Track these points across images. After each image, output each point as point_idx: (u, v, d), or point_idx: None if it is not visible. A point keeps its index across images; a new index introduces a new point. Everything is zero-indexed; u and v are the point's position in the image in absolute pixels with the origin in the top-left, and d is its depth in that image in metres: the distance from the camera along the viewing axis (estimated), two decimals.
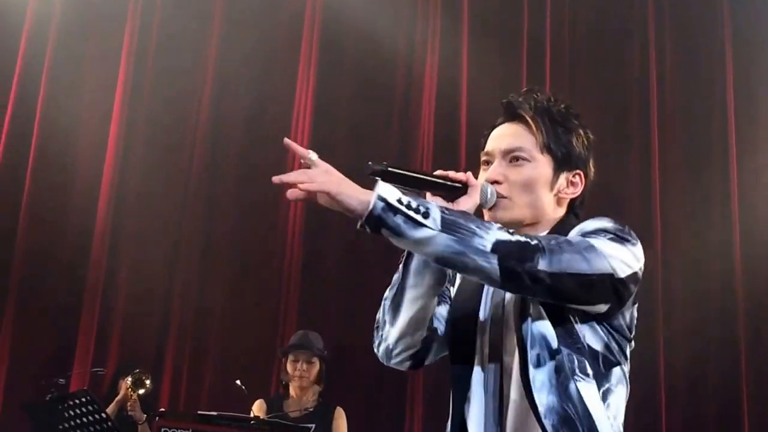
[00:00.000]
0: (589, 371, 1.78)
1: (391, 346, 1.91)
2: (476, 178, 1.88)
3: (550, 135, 1.91)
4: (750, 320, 6.82)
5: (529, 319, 1.78)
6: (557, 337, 1.78)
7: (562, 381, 1.75)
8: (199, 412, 4.56)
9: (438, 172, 1.84)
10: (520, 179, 1.89)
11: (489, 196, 1.85)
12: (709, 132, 7.27)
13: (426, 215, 1.63)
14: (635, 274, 1.77)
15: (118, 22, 6.64)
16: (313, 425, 4.47)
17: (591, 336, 1.80)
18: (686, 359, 6.74)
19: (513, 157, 1.90)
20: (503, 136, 1.94)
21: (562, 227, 1.89)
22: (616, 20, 7.40)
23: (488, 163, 1.94)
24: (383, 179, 1.72)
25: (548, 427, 1.70)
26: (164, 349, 6.23)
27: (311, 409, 4.82)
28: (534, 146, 1.90)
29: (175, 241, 6.42)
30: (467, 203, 1.81)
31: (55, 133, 6.31)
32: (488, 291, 1.91)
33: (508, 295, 1.85)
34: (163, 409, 5.07)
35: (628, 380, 1.86)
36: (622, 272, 1.73)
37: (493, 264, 1.65)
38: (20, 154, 6.31)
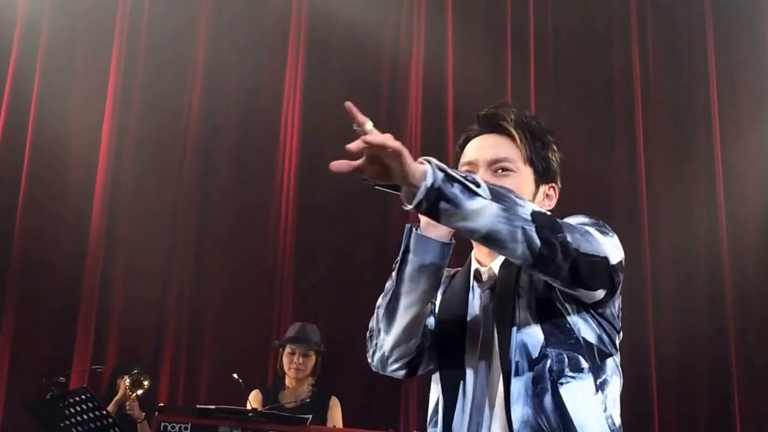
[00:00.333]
0: (584, 365, 1.80)
1: (386, 354, 1.88)
2: None
3: (531, 148, 1.93)
4: (737, 309, 6.86)
5: (514, 328, 1.79)
6: (546, 339, 1.79)
7: (538, 392, 1.76)
8: (197, 406, 4.57)
9: None
10: None
11: None
12: (693, 122, 7.31)
13: (477, 184, 1.61)
14: (621, 262, 1.79)
15: (107, 26, 6.67)
16: (311, 416, 4.48)
17: (585, 328, 1.82)
18: (676, 349, 6.77)
19: (499, 167, 1.91)
20: (488, 146, 1.94)
21: None
22: (599, 12, 7.43)
23: (470, 172, 1.91)
24: (376, 184, 1.71)
25: None
26: (162, 346, 6.25)
27: (307, 400, 4.88)
28: (518, 158, 1.92)
29: (169, 239, 6.44)
30: None
31: (49, 138, 6.35)
32: (473, 302, 1.92)
33: (495, 305, 1.86)
34: (162, 404, 5.05)
35: (620, 370, 1.88)
36: (614, 258, 1.76)
37: (532, 234, 1.64)
38: (15, 159, 6.32)
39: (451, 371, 1.87)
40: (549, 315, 1.81)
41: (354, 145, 1.59)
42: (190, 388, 6.21)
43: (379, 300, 1.89)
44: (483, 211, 1.60)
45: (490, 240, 1.64)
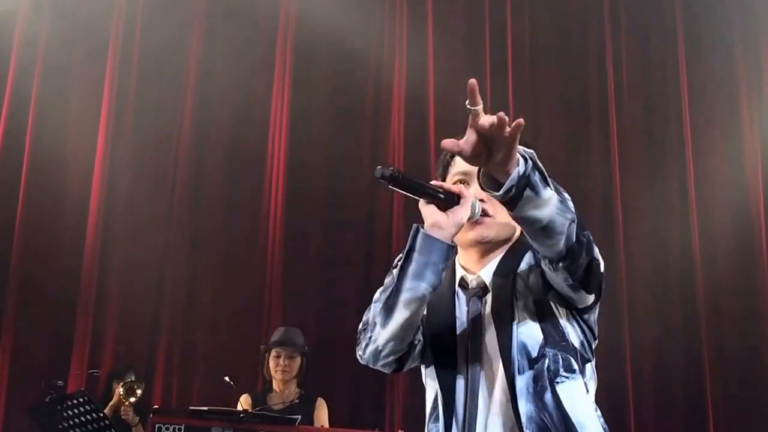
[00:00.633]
0: (575, 367, 1.86)
1: (380, 348, 1.87)
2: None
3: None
4: (709, 307, 6.95)
5: (515, 329, 1.84)
6: (545, 338, 1.84)
7: (539, 390, 1.81)
8: (191, 407, 4.63)
9: (434, 183, 1.87)
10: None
11: (477, 210, 1.88)
12: (666, 130, 7.40)
13: (547, 174, 1.67)
14: (603, 271, 1.87)
15: (102, 36, 6.77)
16: (299, 416, 4.57)
17: (572, 333, 1.89)
18: (651, 347, 6.85)
19: None
20: None
21: (517, 247, 1.97)
22: (575, 24, 7.53)
23: (463, 182, 1.97)
24: (391, 183, 1.76)
25: None
26: (156, 350, 6.32)
27: (295, 401, 4.95)
28: None
29: (162, 248, 6.51)
30: (459, 213, 1.82)
31: (46, 144, 6.43)
32: (459, 307, 1.95)
33: (487, 306, 1.91)
34: (156, 406, 5.17)
35: (596, 375, 1.94)
36: (602, 265, 1.84)
37: (573, 230, 1.72)
38: (14, 164, 6.41)
39: (446, 371, 1.89)
40: (545, 317, 1.86)
41: (487, 120, 1.58)
42: (183, 390, 6.27)
43: (377, 294, 1.91)
44: (550, 201, 1.68)
45: (547, 230, 1.70)
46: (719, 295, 7.03)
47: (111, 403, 5.33)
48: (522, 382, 1.81)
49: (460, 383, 1.89)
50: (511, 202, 1.65)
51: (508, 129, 1.57)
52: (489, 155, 1.61)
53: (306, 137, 6.86)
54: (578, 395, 1.85)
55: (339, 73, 6.99)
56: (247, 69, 6.96)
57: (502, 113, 1.57)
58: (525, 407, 1.79)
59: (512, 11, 7.34)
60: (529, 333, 1.85)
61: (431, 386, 1.95)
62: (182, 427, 4.29)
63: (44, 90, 6.56)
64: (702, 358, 6.83)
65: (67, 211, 6.46)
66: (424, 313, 1.93)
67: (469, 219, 1.87)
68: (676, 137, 7.34)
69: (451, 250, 1.83)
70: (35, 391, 5.43)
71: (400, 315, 1.83)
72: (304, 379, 5.12)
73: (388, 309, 1.84)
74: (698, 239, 7.04)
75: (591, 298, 1.86)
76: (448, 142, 1.62)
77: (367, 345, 1.90)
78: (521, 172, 1.62)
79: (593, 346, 1.94)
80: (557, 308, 1.88)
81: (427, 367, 1.97)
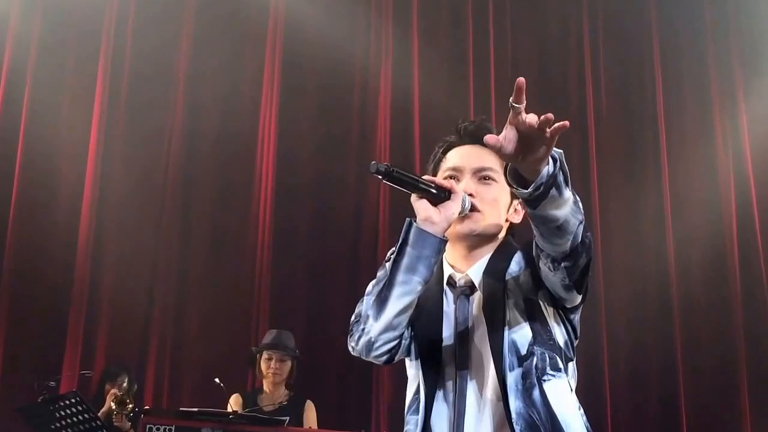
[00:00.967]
0: (560, 366, 1.88)
1: (373, 339, 1.88)
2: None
3: (504, 172, 1.91)
4: (684, 316, 7.06)
5: (506, 327, 1.86)
6: (534, 337, 1.87)
7: (527, 387, 1.82)
8: (181, 408, 4.62)
9: (426, 178, 1.89)
10: (489, 196, 1.97)
11: (467, 204, 1.90)
12: (642, 143, 7.53)
13: (568, 174, 1.70)
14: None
15: (94, 40, 6.81)
16: (288, 418, 4.60)
17: (558, 332, 1.91)
18: (627, 354, 6.95)
19: (484, 175, 1.98)
20: (474, 155, 2.00)
21: (505, 247, 2.00)
22: (554, 37, 7.63)
23: (453, 177, 1.99)
24: (386, 178, 1.80)
25: (518, 431, 1.79)
26: (147, 352, 6.34)
27: (284, 403, 5.00)
28: (500, 170, 1.97)
29: (153, 250, 6.54)
30: (451, 208, 1.85)
31: (38, 148, 6.45)
32: (447, 305, 1.97)
33: (475, 304, 1.94)
34: (147, 407, 5.15)
35: (577, 374, 1.97)
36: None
37: (581, 229, 1.76)
38: (6, 170, 6.43)
39: (432, 365, 1.91)
40: (535, 316, 1.88)
41: (533, 118, 1.62)
42: (173, 391, 6.30)
43: (370, 287, 1.91)
44: (568, 201, 1.71)
45: (561, 229, 1.73)
46: (693, 306, 7.14)
47: (102, 410, 5.31)
48: (512, 379, 1.83)
49: (448, 380, 1.90)
50: (537, 200, 1.67)
51: (548, 130, 1.61)
52: (524, 153, 1.63)
53: (295, 139, 6.93)
54: (564, 393, 1.88)
55: (326, 78, 7.04)
56: (236, 73, 7.01)
57: (550, 114, 1.61)
58: (514, 404, 1.81)
59: (495, 24, 7.44)
60: (519, 331, 1.87)
61: (414, 378, 1.96)
62: (173, 428, 4.29)
63: (36, 92, 6.57)
64: (677, 370, 6.92)
65: (59, 211, 6.46)
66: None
67: (459, 213, 1.89)
68: (652, 152, 7.45)
69: (443, 244, 1.85)
70: (28, 391, 5.42)
71: (393, 308, 1.85)
72: (294, 382, 5.16)
73: (381, 302, 1.86)
74: (673, 254, 7.14)
75: (579, 298, 1.90)
76: (491, 138, 1.63)
77: (359, 337, 1.90)
78: (550, 172, 1.64)
79: (575, 345, 1.97)
80: (545, 308, 1.91)
81: (411, 360, 1.98)
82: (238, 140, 6.87)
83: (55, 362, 6.09)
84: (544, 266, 1.85)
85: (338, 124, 7.06)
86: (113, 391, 5.43)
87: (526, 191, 1.66)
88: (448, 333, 1.94)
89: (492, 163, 1.99)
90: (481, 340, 1.90)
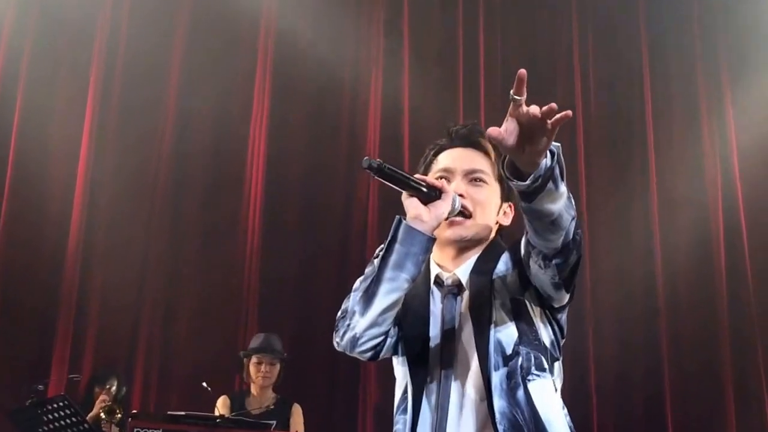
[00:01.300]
0: (546, 366, 1.88)
1: (358, 335, 1.87)
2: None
3: (500, 166, 1.90)
4: (670, 317, 7.08)
5: (492, 327, 1.86)
6: (519, 337, 1.87)
7: (512, 387, 1.82)
8: (168, 412, 4.62)
9: (417, 176, 1.89)
10: (479, 198, 1.97)
11: (456, 205, 1.90)
12: (631, 147, 7.53)
13: (564, 168, 1.70)
14: None
15: (87, 44, 6.81)
16: (275, 422, 4.62)
17: (544, 332, 1.91)
18: (613, 355, 6.94)
19: (475, 177, 1.98)
20: (465, 157, 2.00)
21: (493, 248, 2.00)
22: (544, 45, 7.65)
23: (445, 179, 1.98)
24: (377, 174, 1.80)
25: (501, 431, 1.79)
26: (135, 355, 6.33)
27: (271, 407, 5.01)
28: (491, 173, 2.00)
29: (143, 255, 6.53)
30: (441, 207, 1.86)
31: (30, 155, 6.43)
32: (434, 304, 1.97)
33: (463, 304, 1.93)
34: (135, 411, 5.18)
35: (563, 374, 1.97)
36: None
37: (573, 225, 1.76)
38: None
39: (419, 365, 1.91)
40: (521, 316, 1.88)
41: (534, 109, 1.61)
42: (161, 394, 6.29)
43: (357, 283, 1.90)
44: (563, 195, 1.70)
45: (555, 224, 1.73)
46: (679, 307, 7.15)
47: (91, 414, 5.31)
48: (497, 378, 1.83)
49: (434, 379, 1.90)
50: (534, 193, 1.67)
51: (550, 120, 1.61)
52: (525, 145, 1.63)
53: (285, 151, 6.93)
54: (548, 393, 1.88)
55: (317, 83, 7.04)
56: (227, 75, 7.01)
57: (553, 104, 1.61)
58: (498, 403, 1.81)
59: (485, 31, 7.44)
60: (505, 331, 1.87)
61: (402, 378, 1.96)
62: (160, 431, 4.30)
63: (29, 94, 6.56)
64: (662, 370, 6.94)
65: (50, 213, 6.45)
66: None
67: (449, 214, 1.90)
68: (640, 153, 7.45)
69: (432, 242, 1.85)
70: (16, 395, 5.44)
71: (380, 304, 1.84)
72: (281, 385, 5.17)
73: (368, 298, 1.85)
74: (660, 255, 7.15)
75: (567, 297, 1.90)
76: (493, 131, 1.63)
77: (345, 332, 1.89)
78: (548, 165, 1.64)
79: (562, 345, 1.97)
80: (532, 308, 1.91)
81: (399, 359, 1.98)
82: (229, 143, 6.87)
83: (44, 365, 6.08)
84: (534, 264, 1.84)
85: (329, 128, 7.05)
86: (103, 397, 5.43)
87: (524, 183, 1.66)
88: (435, 332, 1.94)
89: (483, 165, 2.01)
90: (468, 340, 1.90)
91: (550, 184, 1.66)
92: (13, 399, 5.45)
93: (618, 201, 7.32)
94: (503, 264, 1.95)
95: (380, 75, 7.14)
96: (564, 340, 1.99)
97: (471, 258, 2.00)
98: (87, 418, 5.12)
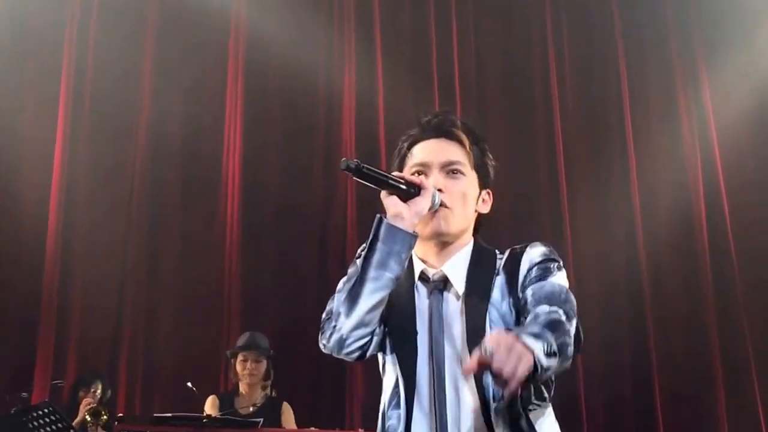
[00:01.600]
0: (545, 395, 1.87)
1: (344, 336, 1.86)
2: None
3: (477, 155, 2.00)
4: (655, 304, 7.10)
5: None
6: None
7: (515, 418, 1.81)
8: (154, 414, 4.64)
9: (396, 174, 1.91)
10: (457, 191, 1.96)
11: (436, 200, 1.90)
12: (608, 121, 7.57)
13: (554, 351, 1.67)
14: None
15: (56, 50, 6.75)
16: (261, 419, 4.60)
17: None
18: (600, 346, 6.82)
19: (452, 170, 1.97)
20: (440, 149, 1.99)
21: (482, 252, 1.99)
22: (519, 36, 7.67)
23: (421, 173, 1.97)
24: (356, 174, 1.82)
25: None
26: (118, 358, 6.30)
27: (261, 405, 5.00)
28: (467, 163, 1.99)
29: (122, 258, 6.50)
30: (420, 204, 1.86)
31: (2, 157, 6.35)
32: (420, 296, 1.96)
33: (450, 300, 1.93)
34: (120, 414, 5.15)
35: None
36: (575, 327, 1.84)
37: (569, 353, 1.74)
38: None
39: (407, 359, 1.90)
40: None
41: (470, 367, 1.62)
42: (146, 396, 6.28)
43: (341, 284, 1.89)
44: (551, 368, 1.68)
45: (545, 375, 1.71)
46: (664, 291, 7.20)
47: (77, 420, 5.29)
48: (498, 410, 1.82)
49: (424, 371, 1.89)
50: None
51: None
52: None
53: (260, 153, 6.94)
54: (549, 423, 1.88)
55: (290, 85, 7.03)
56: (200, 74, 6.99)
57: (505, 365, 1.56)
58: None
59: (457, 23, 7.47)
60: None
61: (391, 373, 1.95)
62: None
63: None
64: (650, 355, 6.97)
65: (26, 223, 6.40)
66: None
67: (429, 209, 1.89)
68: (618, 139, 7.49)
69: (414, 239, 1.86)
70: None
71: (365, 304, 1.84)
72: (270, 381, 5.17)
73: (353, 298, 1.85)
74: (642, 240, 7.18)
75: None
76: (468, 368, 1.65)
77: (331, 334, 1.88)
78: (534, 380, 1.66)
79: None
80: None
81: (386, 355, 1.97)
82: (204, 143, 6.85)
83: (27, 372, 6.04)
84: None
85: (304, 127, 7.05)
86: (87, 400, 5.40)
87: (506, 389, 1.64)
88: (422, 328, 1.92)
89: (458, 156, 1.99)
90: (462, 346, 1.88)
91: (544, 374, 1.66)
92: None
93: (598, 188, 7.34)
94: (498, 291, 1.92)
95: (353, 71, 7.14)
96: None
97: (455, 253, 1.99)
98: (73, 423, 5.10)
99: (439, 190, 1.93)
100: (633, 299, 7.13)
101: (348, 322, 1.85)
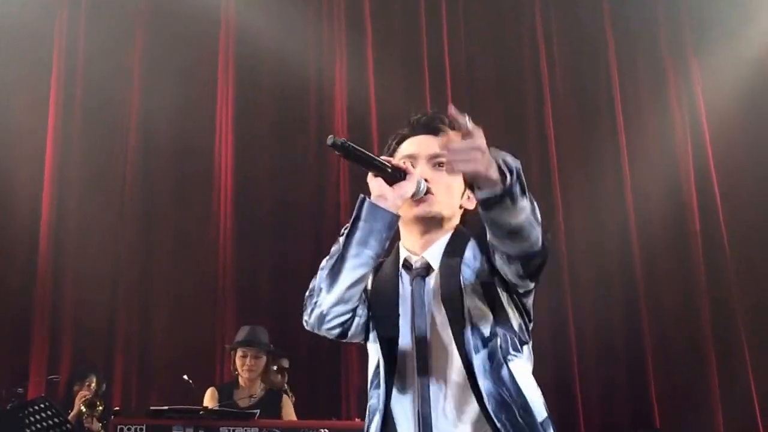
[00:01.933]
0: (519, 346, 1.91)
1: (325, 312, 1.90)
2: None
3: None
4: (648, 284, 7.13)
5: (466, 311, 1.89)
6: (494, 318, 1.89)
7: (495, 367, 1.85)
8: (151, 407, 4.55)
9: (383, 158, 1.94)
10: (443, 182, 1.99)
11: (422, 187, 1.94)
12: (599, 109, 7.59)
13: (525, 185, 1.72)
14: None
15: (46, 46, 6.76)
16: (258, 411, 4.58)
17: (512, 316, 1.94)
18: (594, 331, 6.99)
19: (438, 162, 1.99)
20: (428, 144, 2.02)
21: (460, 234, 2.02)
22: (507, 13, 7.69)
23: (409, 164, 1.99)
24: (342, 152, 1.83)
25: (490, 411, 1.81)
26: (113, 352, 6.31)
27: (260, 397, 4.96)
28: None
29: (115, 252, 6.51)
30: (405, 187, 1.89)
31: None
32: (403, 283, 2.00)
33: (431, 285, 1.96)
34: (117, 408, 5.15)
35: (533, 357, 1.99)
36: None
37: (539, 236, 1.78)
38: None
39: (389, 342, 1.94)
40: (492, 300, 1.91)
41: (444, 146, 1.69)
42: (142, 390, 6.27)
43: (323, 262, 1.94)
44: (524, 210, 1.72)
45: (513, 235, 1.76)
46: (656, 275, 7.22)
47: (72, 413, 5.27)
48: (478, 360, 1.85)
49: (405, 350, 1.93)
50: (491, 205, 1.71)
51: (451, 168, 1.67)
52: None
53: (251, 133, 6.95)
54: (526, 372, 1.91)
55: (281, 78, 7.02)
56: (190, 69, 6.99)
57: (455, 146, 1.64)
58: (484, 384, 1.84)
59: (447, 14, 7.47)
60: (480, 315, 1.90)
61: (374, 355, 1.99)
62: (143, 428, 4.23)
63: None
64: (643, 339, 7.00)
65: (18, 220, 6.43)
66: (369, 287, 2.01)
67: (413, 196, 1.93)
68: (609, 123, 7.51)
69: (396, 219, 1.89)
70: None
71: (345, 280, 1.88)
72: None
73: (334, 275, 1.90)
74: (634, 221, 7.20)
75: (532, 284, 1.94)
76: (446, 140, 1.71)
77: (312, 310, 1.93)
78: (505, 187, 1.67)
79: (530, 329, 1.99)
80: (500, 292, 1.93)
81: (369, 339, 2.01)
82: (196, 137, 6.83)
83: (22, 367, 6.03)
84: (500, 258, 1.87)
85: (296, 120, 7.06)
86: (82, 392, 5.39)
87: (481, 196, 1.70)
88: (405, 313, 1.96)
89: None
90: (442, 323, 1.92)
91: (507, 201, 1.68)
92: None
93: (589, 172, 7.35)
94: (470, 251, 1.97)
95: (344, 63, 7.14)
96: (531, 324, 2.00)
97: (438, 241, 2.02)
98: (69, 417, 5.09)
99: (426, 180, 1.97)
100: (626, 286, 7.14)
101: (329, 298, 1.90)
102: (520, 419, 1.83)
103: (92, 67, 6.79)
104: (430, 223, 2.00)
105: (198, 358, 6.10)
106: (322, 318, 1.92)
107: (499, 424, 1.81)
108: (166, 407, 4.47)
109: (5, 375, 5.91)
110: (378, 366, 1.96)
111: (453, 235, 2.03)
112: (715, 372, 6.96)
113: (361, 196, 1.90)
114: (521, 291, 1.94)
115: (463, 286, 1.92)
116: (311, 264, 6.42)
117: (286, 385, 5.56)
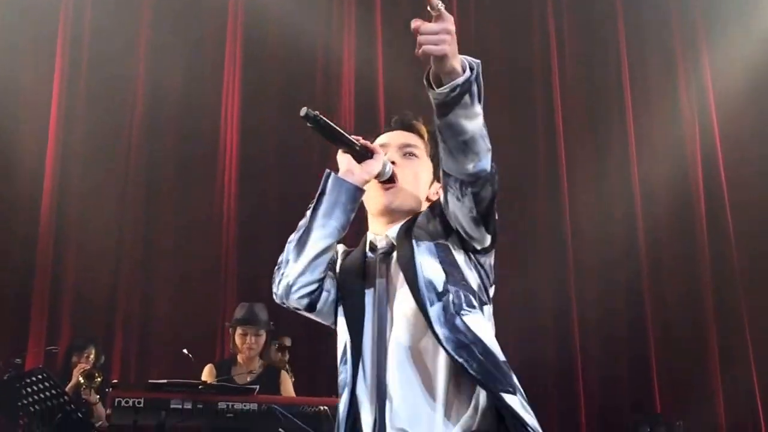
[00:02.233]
0: (474, 303, 1.92)
1: (291, 282, 1.96)
2: None
3: (433, 148, 2.07)
4: (652, 270, 7.13)
5: (420, 269, 1.92)
6: (446, 276, 1.92)
7: (449, 318, 1.87)
8: (149, 380, 4.48)
9: (353, 136, 1.98)
10: (409, 169, 2.08)
11: (387, 169, 2.00)
12: (607, 95, 7.57)
13: (481, 95, 1.75)
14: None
15: (52, 19, 6.70)
16: (257, 386, 4.53)
17: (470, 275, 1.96)
18: (596, 316, 6.96)
19: (407, 151, 2.10)
20: (400, 135, 2.13)
21: (416, 215, 2.05)
22: (518, 8, 7.63)
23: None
24: (313, 124, 1.87)
25: (450, 351, 1.83)
26: (113, 325, 6.29)
27: (259, 374, 4.93)
28: (423, 150, 2.12)
29: (118, 225, 6.49)
30: (371, 165, 1.96)
31: None
32: (369, 265, 2.03)
33: (393, 262, 2.00)
34: (115, 381, 5.08)
35: (493, 322, 2.00)
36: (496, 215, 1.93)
37: (489, 156, 1.81)
38: None
39: (354, 319, 1.97)
40: (446, 258, 1.94)
41: (416, 25, 1.70)
42: (141, 364, 6.25)
43: (292, 235, 1.99)
44: (478, 118, 1.75)
45: (467, 145, 1.78)
46: (661, 262, 7.22)
47: (70, 384, 5.23)
48: (434, 312, 1.87)
49: (368, 327, 1.96)
50: (449, 104, 1.71)
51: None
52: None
53: (257, 112, 6.91)
54: (482, 324, 1.92)
55: (289, 56, 6.99)
56: (197, 46, 6.97)
57: (424, 26, 1.67)
58: (441, 331, 1.85)
59: (458, 6, 7.43)
60: (432, 271, 1.92)
61: (342, 333, 2.01)
62: (141, 401, 4.21)
63: None
64: (646, 327, 6.99)
65: (21, 191, 6.40)
66: (338, 270, 2.07)
67: (379, 177, 1.99)
68: (617, 108, 7.49)
69: (360, 193, 1.96)
70: None
71: (311, 251, 1.94)
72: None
73: (300, 246, 1.95)
74: (641, 207, 7.18)
75: (488, 238, 1.95)
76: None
77: (280, 281, 1.99)
78: (467, 78, 1.69)
79: (490, 292, 2.01)
80: (456, 251, 1.96)
81: (338, 322, 2.04)
82: (202, 112, 6.80)
83: (21, 338, 6.01)
84: (452, 197, 1.88)
85: (303, 98, 6.95)
86: (81, 364, 5.35)
87: (442, 91, 1.70)
88: (369, 288, 2.01)
89: (416, 141, 2.12)
90: (401, 286, 1.95)
91: (467, 98, 1.71)
92: None
93: (596, 161, 7.34)
94: (423, 216, 2.02)
95: (353, 42, 7.12)
96: (493, 288, 2.03)
97: (401, 222, 2.07)
98: (67, 388, 5.05)
99: (393, 162, 2.04)
100: (630, 272, 7.11)
101: (295, 268, 1.96)
102: (480, 356, 1.85)
103: (98, 41, 6.74)
104: (396, 215, 2.06)
105: (199, 333, 6.07)
106: (289, 288, 1.97)
107: (461, 360, 1.83)
108: (164, 381, 4.40)
109: (4, 345, 5.89)
110: (345, 345, 1.99)
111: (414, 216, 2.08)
112: (717, 359, 6.95)
113: (327, 170, 1.96)
114: (478, 247, 1.97)
115: (416, 245, 1.96)
116: None
117: (287, 364, 5.52)
